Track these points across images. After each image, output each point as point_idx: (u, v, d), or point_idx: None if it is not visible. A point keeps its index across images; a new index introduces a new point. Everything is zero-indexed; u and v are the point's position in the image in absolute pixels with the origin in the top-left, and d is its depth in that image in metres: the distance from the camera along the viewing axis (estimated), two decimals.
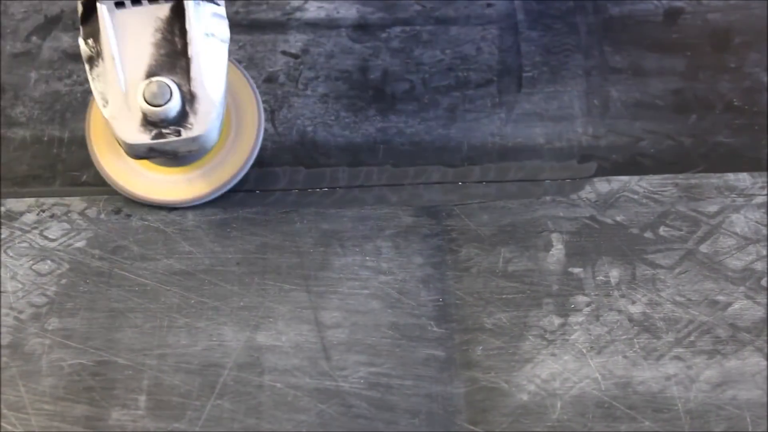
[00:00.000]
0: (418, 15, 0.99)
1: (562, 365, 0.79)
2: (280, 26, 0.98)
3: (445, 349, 0.79)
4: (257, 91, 0.89)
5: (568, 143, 0.91)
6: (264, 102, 0.92)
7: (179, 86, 0.77)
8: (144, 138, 0.77)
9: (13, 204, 0.86)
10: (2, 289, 0.81)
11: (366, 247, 0.84)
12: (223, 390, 0.77)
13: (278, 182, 0.88)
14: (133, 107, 0.77)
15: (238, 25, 0.97)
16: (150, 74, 0.78)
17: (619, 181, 0.88)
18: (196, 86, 0.78)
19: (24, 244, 0.83)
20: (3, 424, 0.75)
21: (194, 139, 0.78)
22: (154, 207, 0.86)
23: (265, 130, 0.91)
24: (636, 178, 0.88)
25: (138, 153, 0.79)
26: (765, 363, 0.79)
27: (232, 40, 0.95)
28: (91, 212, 0.85)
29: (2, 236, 0.84)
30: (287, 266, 0.83)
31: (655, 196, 0.87)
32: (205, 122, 0.78)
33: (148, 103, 0.76)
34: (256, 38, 0.97)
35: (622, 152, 0.90)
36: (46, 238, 0.84)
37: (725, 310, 0.81)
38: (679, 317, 0.81)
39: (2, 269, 0.82)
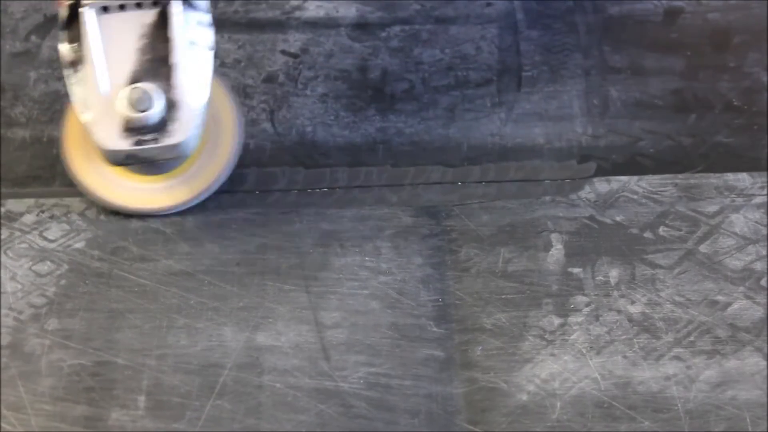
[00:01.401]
0: (418, 14, 0.99)
1: (561, 365, 0.79)
2: (280, 25, 0.98)
3: (445, 349, 0.79)
4: (234, 97, 0.89)
5: (567, 143, 0.91)
6: (263, 102, 0.92)
7: (162, 93, 0.77)
8: (124, 144, 0.77)
9: (12, 205, 0.86)
10: (2, 290, 0.81)
11: (365, 248, 0.84)
12: (223, 390, 0.77)
13: (277, 182, 0.88)
14: (114, 113, 0.76)
15: (236, 25, 0.97)
16: (133, 80, 0.77)
17: (618, 181, 0.88)
18: (178, 94, 0.77)
19: (24, 245, 0.83)
20: (3, 424, 0.75)
21: (174, 147, 0.77)
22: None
23: (264, 130, 0.91)
24: (635, 178, 0.88)
25: (117, 159, 0.78)
26: (764, 363, 0.79)
27: (231, 39, 0.96)
28: (91, 213, 0.85)
29: (2, 237, 0.84)
30: (287, 267, 0.83)
31: (655, 196, 0.87)
32: (185, 130, 0.77)
33: (129, 109, 0.76)
34: (255, 38, 0.97)
35: (621, 152, 0.90)
36: (45, 238, 0.84)
37: (725, 310, 0.81)
38: (678, 317, 0.81)
39: (2, 270, 0.82)
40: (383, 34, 0.98)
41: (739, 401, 0.77)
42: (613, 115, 0.92)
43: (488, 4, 1.00)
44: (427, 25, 0.98)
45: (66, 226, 0.84)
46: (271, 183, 0.88)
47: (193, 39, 0.79)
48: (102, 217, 0.85)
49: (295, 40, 0.97)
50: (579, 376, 0.78)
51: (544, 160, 0.90)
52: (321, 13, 0.99)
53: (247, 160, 0.89)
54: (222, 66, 0.94)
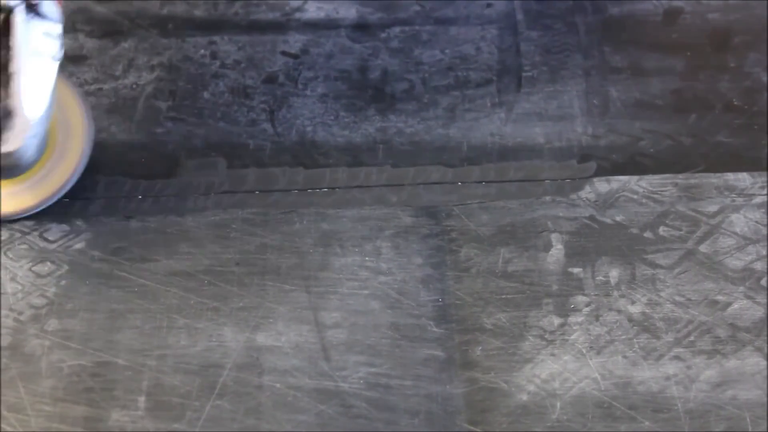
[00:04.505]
0: (418, 15, 0.99)
1: (561, 365, 0.79)
2: (280, 27, 0.98)
3: (445, 349, 0.79)
4: (86, 106, 0.88)
5: (567, 143, 0.91)
6: (263, 102, 0.92)
7: None
8: None
9: None
10: (2, 291, 0.81)
11: (365, 248, 0.84)
12: (223, 390, 0.77)
13: (278, 183, 0.88)
14: None
15: (237, 26, 0.97)
16: None
17: (618, 181, 0.88)
18: (15, 103, 0.77)
19: (24, 246, 0.83)
20: (3, 425, 0.75)
21: (7, 155, 0.77)
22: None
23: (264, 130, 0.91)
24: (635, 177, 0.88)
25: None
26: (765, 363, 0.79)
27: (231, 41, 0.96)
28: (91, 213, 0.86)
29: (2, 238, 0.84)
30: (287, 267, 0.83)
31: (655, 196, 0.87)
32: (18, 139, 0.77)
33: None
34: (255, 39, 0.97)
35: (621, 152, 0.90)
36: (45, 239, 0.84)
37: (725, 310, 0.81)
38: (678, 317, 0.81)
39: (2, 271, 0.82)
40: (383, 35, 0.98)
41: (740, 401, 0.77)
42: (613, 115, 0.92)
43: (488, 5, 1.00)
44: (427, 25, 0.98)
45: (66, 227, 0.84)
46: (271, 183, 0.88)
47: (38, 49, 0.78)
48: (102, 217, 0.85)
49: (295, 41, 0.97)
50: (579, 376, 0.78)
51: (544, 160, 0.90)
52: (321, 14, 0.99)
53: (247, 160, 0.89)
54: (222, 67, 0.94)
